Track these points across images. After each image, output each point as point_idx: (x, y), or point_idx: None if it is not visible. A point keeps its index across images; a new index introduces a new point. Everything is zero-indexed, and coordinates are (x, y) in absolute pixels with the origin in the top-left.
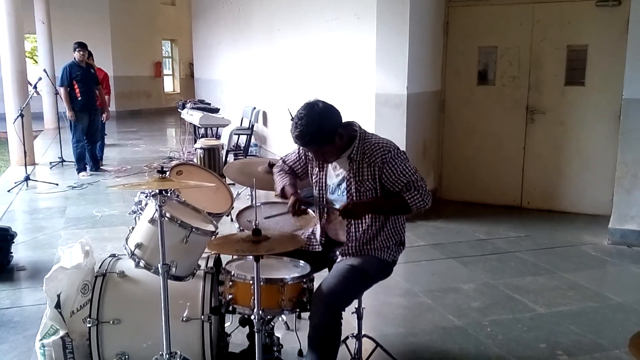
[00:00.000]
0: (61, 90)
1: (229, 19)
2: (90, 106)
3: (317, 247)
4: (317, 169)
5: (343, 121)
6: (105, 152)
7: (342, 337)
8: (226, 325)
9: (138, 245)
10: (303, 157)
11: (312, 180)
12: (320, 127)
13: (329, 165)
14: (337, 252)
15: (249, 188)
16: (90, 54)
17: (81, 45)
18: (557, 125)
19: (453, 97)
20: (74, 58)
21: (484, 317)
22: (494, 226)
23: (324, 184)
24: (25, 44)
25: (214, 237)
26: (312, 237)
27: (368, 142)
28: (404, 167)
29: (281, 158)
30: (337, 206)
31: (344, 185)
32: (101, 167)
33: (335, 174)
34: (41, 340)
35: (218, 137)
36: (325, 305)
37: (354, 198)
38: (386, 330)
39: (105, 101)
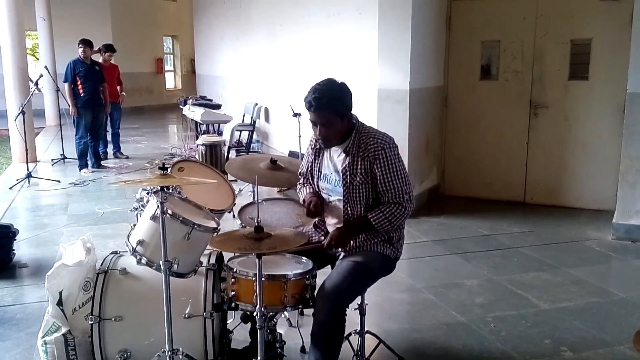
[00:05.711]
0: (65, 87)
1: (230, 14)
2: (93, 103)
3: (322, 236)
4: (313, 156)
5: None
6: (107, 148)
7: (345, 334)
8: (228, 321)
9: (140, 242)
10: (313, 155)
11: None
12: (339, 97)
13: (325, 155)
14: (340, 249)
15: (250, 184)
16: (109, 49)
17: (84, 42)
18: (560, 119)
19: (456, 92)
20: (79, 55)
21: (487, 313)
22: (497, 222)
23: (318, 172)
24: (26, 40)
25: (215, 233)
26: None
27: (365, 135)
28: (393, 169)
29: (298, 173)
30: (333, 197)
31: (338, 177)
32: (102, 164)
33: (331, 164)
34: (43, 337)
35: (220, 133)
36: (331, 302)
37: (349, 191)
38: (389, 326)
39: (107, 96)
